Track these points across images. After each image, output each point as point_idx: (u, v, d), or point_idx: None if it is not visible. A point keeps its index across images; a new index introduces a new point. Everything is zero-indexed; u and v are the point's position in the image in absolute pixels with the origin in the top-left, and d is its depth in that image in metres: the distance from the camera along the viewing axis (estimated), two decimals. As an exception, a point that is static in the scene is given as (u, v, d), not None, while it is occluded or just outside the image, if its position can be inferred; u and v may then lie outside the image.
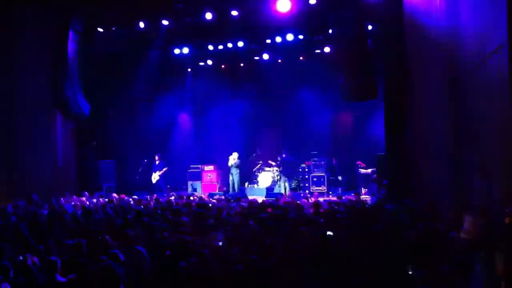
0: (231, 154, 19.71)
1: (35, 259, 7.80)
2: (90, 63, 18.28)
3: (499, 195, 7.79)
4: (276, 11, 16.24)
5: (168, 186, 19.93)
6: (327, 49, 19.28)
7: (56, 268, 6.85)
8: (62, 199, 14.73)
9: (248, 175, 20.56)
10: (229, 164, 19.63)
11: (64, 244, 8.58)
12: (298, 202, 13.50)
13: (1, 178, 15.96)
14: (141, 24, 17.77)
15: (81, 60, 17.60)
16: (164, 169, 19.99)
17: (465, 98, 9.40)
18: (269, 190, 19.22)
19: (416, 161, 13.08)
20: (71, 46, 17.04)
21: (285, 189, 18.73)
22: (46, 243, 8.39)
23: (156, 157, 20.19)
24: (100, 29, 18.06)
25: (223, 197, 16.20)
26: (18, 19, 16.44)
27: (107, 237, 8.22)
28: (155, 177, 20.01)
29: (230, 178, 19.66)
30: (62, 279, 6.78)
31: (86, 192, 16.50)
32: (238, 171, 19.59)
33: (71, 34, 16.95)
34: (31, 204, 13.69)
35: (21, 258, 7.76)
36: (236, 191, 19.05)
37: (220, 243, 8.03)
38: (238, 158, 19.65)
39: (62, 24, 16.92)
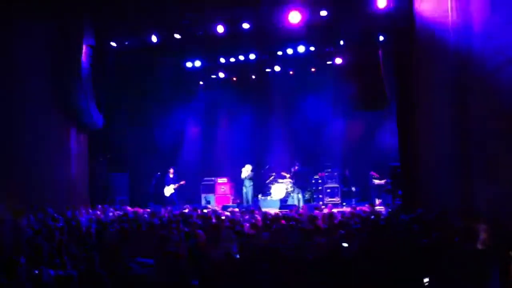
0: (244, 167, 19.76)
1: (51, 272, 7.86)
2: (104, 75, 18.42)
3: (508, 203, 7.77)
4: (288, 23, 16.30)
5: (188, 206, 19.96)
6: (338, 60, 19.30)
7: (73, 281, 6.88)
8: (77, 212, 14.79)
9: (261, 187, 20.55)
10: (242, 176, 19.66)
11: (78, 257, 8.64)
12: (312, 213, 13.50)
13: (13, 190, 15.99)
14: (154, 38, 17.91)
15: (94, 72, 17.73)
16: (182, 182, 20.11)
17: (473, 107, 9.40)
18: (283, 202, 19.21)
19: (428, 171, 13.03)
20: (84, 59, 17.18)
21: (298, 200, 18.70)
22: (61, 256, 8.44)
23: (171, 170, 20.31)
24: (113, 43, 18.22)
25: (236, 209, 16.21)
26: (26, 31, 16.48)
27: (121, 250, 8.27)
28: (170, 190, 20.11)
29: (244, 190, 19.69)
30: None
31: (99, 206, 16.56)
32: (251, 183, 19.62)
33: (84, 47, 17.10)
34: (46, 217, 13.76)
35: (36, 272, 7.82)
36: (250, 203, 19.06)
37: (237, 256, 8.02)
38: (252, 170, 19.68)
39: (76, 38, 17.07)
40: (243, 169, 19.70)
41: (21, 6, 14.96)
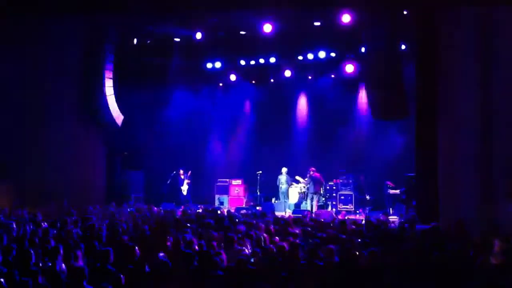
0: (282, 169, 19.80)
1: (63, 266, 7.92)
2: (124, 73, 18.54)
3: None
4: (308, 28, 16.28)
5: (202, 206, 19.96)
6: (358, 67, 19.24)
7: (83, 275, 6.92)
8: (91, 207, 14.89)
9: (276, 191, 20.49)
10: (284, 179, 19.66)
11: (92, 251, 8.69)
12: (324, 219, 13.48)
13: (32, 185, 16.17)
14: (176, 38, 17.99)
15: (115, 70, 17.84)
16: (189, 173, 20.16)
17: (499, 123, 9.33)
18: (296, 207, 19.17)
19: (446, 183, 12.93)
20: (106, 56, 17.30)
21: (311, 206, 18.63)
22: (74, 250, 8.49)
23: (181, 171, 20.30)
24: (135, 41, 18.30)
25: (250, 211, 16.19)
26: (49, 28, 16.61)
27: (135, 246, 8.31)
28: (185, 187, 20.18)
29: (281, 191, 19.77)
30: (89, 287, 6.85)
31: (113, 202, 16.63)
32: (284, 186, 19.61)
33: (107, 45, 17.21)
34: (61, 211, 13.89)
35: (50, 264, 7.90)
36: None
37: (252, 259, 8.00)
38: (286, 173, 19.68)
39: (98, 35, 17.20)
40: (284, 171, 19.67)
41: (48, 5, 15.13)
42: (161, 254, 8.45)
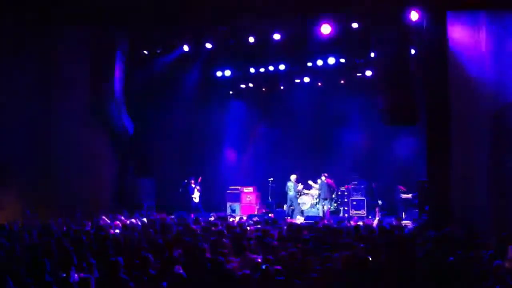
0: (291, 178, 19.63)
1: (76, 276, 7.95)
2: (135, 83, 18.63)
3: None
4: (318, 34, 16.25)
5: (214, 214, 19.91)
6: (368, 73, 19.21)
7: (89, 285, 6.96)
8: (103, 216, 14.92)
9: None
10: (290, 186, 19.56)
11: (106, 262, 8.71)
12: (336, 226, 13.43)
13: (43, 195, 16.24)
14: (185, 47, 18.07)
15: (126, 79, 17.93)
16: (199, 179, 20.12)
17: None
18: (308, 213, 19.15)
19: (458, 189, 12.85)
20: (117, 66, 17.39)
21: (323, 212, 18.59)
22: (87, 260, 8.53)
23: (192, 181, 20.24)
24: (145, 52, 18.40)
25: (262, 219, 16.17)
26: (61, 37, 16.74)
27: (149, 256, 8.32)
28: (197, 194, 20.12)
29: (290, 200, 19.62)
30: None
31: (125, 211, 16.65)
32: (292, 192, 19.51)
33: (118, 54, 17.32)
34: (73, 221, 13.94)
35: (64, 275, 7.93)
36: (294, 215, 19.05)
37: (264, 266, 7.98)
38: (295, 180, 19.60)
39: (109, 44, 17.30)
40: (293, 178, 19.56)
41: (61, 14, 15.31)
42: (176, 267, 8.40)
